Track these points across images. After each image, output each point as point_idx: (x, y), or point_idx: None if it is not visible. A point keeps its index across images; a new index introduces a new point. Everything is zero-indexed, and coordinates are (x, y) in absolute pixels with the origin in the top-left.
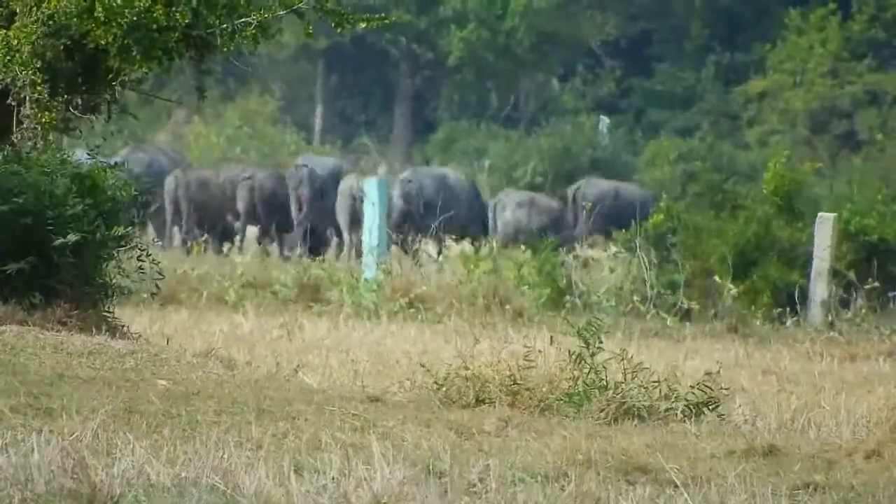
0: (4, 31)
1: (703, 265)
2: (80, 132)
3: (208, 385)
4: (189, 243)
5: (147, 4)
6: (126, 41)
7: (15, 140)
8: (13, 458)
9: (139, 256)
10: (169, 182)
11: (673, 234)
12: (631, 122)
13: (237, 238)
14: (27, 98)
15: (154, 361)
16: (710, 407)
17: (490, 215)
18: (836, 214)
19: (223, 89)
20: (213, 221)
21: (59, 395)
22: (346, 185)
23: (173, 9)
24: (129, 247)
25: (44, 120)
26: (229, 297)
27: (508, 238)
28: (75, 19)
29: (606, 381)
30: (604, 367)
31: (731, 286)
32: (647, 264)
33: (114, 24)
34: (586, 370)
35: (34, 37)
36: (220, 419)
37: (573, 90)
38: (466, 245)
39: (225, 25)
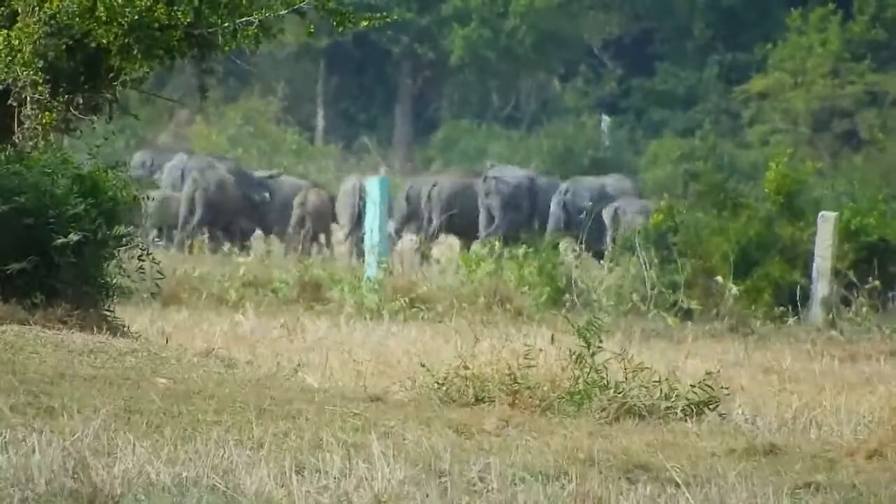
0: (6, 31)
1: (705, 264)
2: (81, 132)
3: (209, 384)
4: (189, 242)
5: (148, 3)
6: (127, 40)
7: (16, 140)
8: (13, 458)
9: (140, 256)
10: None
11: (674, 233)
12: (632, 122)
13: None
14: (28, 98)
15: (155, 360)
16: (711, 406)
17: (608, 222)
18: (837, 213)
19: (225, 89)
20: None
21: (60, 394)
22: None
23: (175, 8)
24: (129, 246)
25: (45, 120)
26: (230, 296)
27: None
28: (77, 19)
29: (607, 381)
30: (604, 366)
31: (732, 285)
32: (647, 263)
33: (115, 23)
34: (587, 369)
35: (36, 37)
36: (221, 418)
37: (575, 90)
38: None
39: (227, 24)
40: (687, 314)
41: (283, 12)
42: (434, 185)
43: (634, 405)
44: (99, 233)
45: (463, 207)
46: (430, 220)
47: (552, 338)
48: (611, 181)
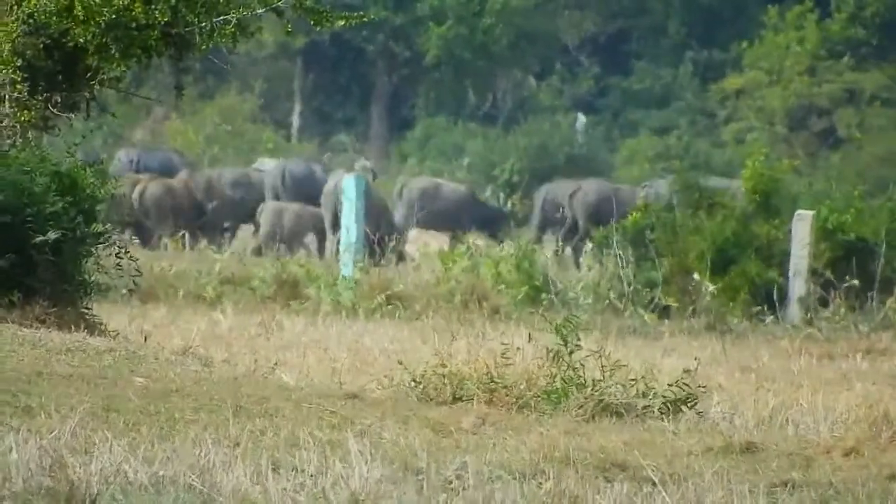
0: None
1: (682, 262)
2: (60, 130)
3: (186, 383)
4: (165, 241)
5: (126, 3)
6: (105, 39)
7: None
8: None
9: (117, 254)
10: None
11: (651, 231)
12: (609, 120)
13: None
14: (7, 97)
15: (132, 359)
16: (688, 404)
17: None
18: (814, 212)
19: (202, 87)
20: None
21: (38, 393)
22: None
23: (152, 7)
24: (107, 244)
25: (23, 118)
26: (207, 294)
27: None
28: (54, 18)
29: (584, 379)
30: (581, 364)
31: (710, 284)
32: (623, 261)
33: (93, 22)
34: (564, 367)
35: (14, 35)
36: (198, 417)
37: (551, 88)
38: None
39: (204, 23)
40: (664, 312)
41: (260, 11)
42: (578, 190)
43: (611, 403)
44: (77, 230)
45: (608, 213)
46: (573, 225)
47: (529, 336)
48: (734, 184)
